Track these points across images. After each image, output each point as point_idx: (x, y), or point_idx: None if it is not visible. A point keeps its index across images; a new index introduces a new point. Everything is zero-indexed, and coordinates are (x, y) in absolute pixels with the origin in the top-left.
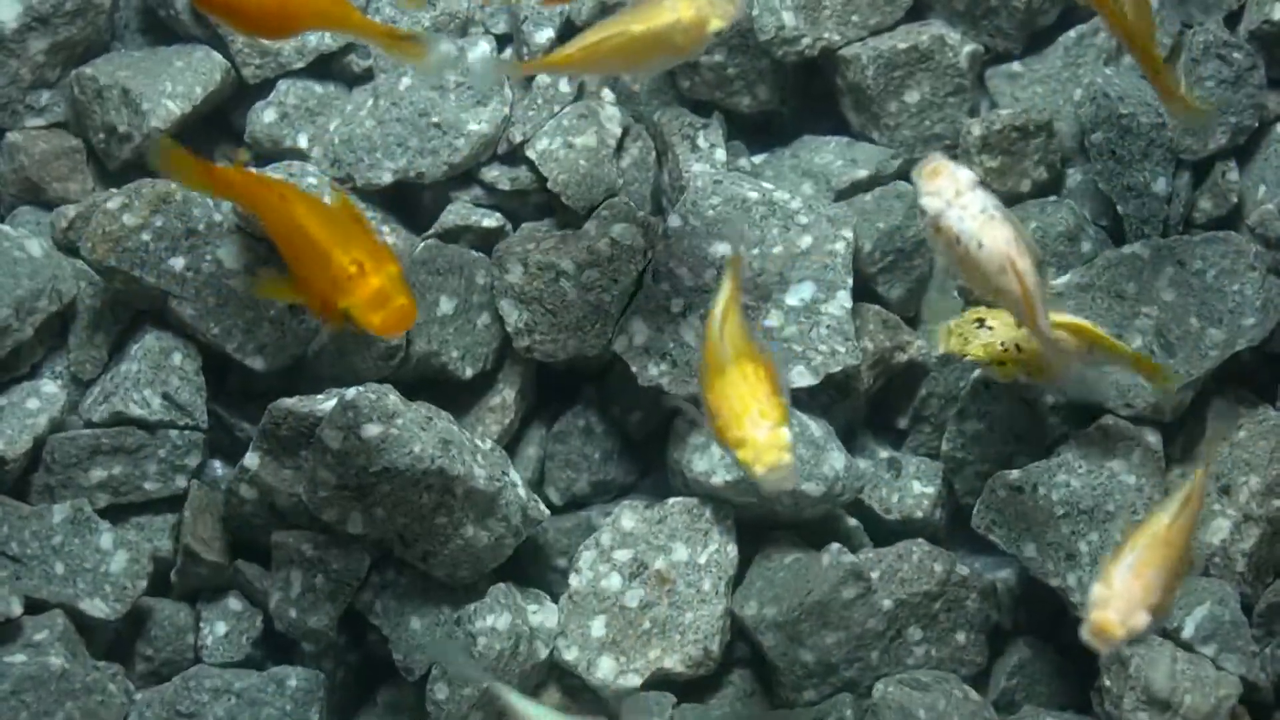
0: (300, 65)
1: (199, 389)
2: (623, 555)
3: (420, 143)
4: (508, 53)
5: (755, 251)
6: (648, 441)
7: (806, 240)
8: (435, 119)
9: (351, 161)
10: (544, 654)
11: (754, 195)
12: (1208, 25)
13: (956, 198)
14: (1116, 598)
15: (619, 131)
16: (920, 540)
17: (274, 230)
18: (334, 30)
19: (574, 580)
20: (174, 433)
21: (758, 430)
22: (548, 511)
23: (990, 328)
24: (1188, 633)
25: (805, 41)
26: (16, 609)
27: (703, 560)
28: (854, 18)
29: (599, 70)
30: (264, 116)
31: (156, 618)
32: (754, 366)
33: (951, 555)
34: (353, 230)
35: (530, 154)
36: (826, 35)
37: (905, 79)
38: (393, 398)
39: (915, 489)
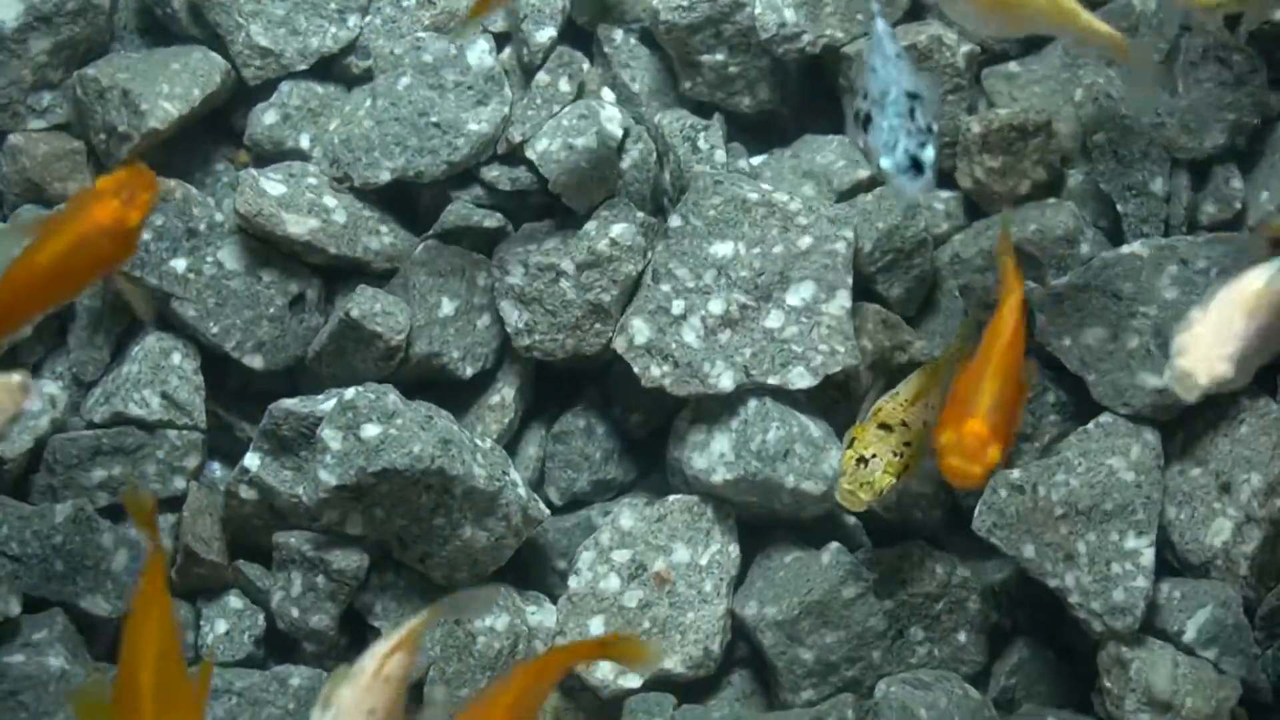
0: (302, 67)
1: (197, 388)
2: (621, 555)
3: (419, 142)
4: (507, 52)
5: (756, 251)
6: (648, 441)
7: (806, 240)
8: (434, 119)
9: (350, 161)
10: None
11: (754, 196)
12: (1206, 26)
13: None
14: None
15: (619, 133)
16: (921, 541)
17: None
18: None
19: (573, 581)
20: (172, 433)
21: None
22: (548, 511)
23: (872, 454)
24: (1189, 636)
25: (806, 39)
26: (15, 608)
27: (704, 561)
28: (858, 15)
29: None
30: (265, 118)
31: None
32: None
33: (952, 556)
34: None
35: (530, 154)
36: (829, 32)
37: None
38: (392, 397)
39: (914, 488)
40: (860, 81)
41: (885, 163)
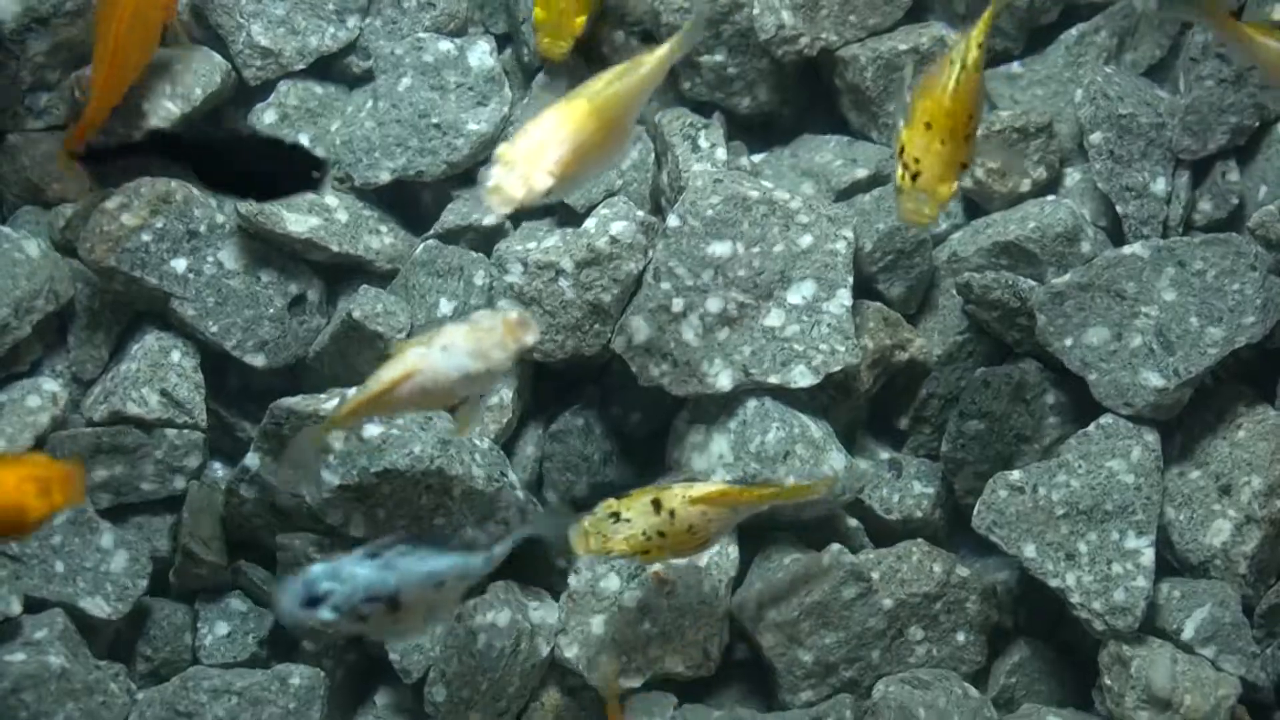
0: (301, 66)
1: (197, 386)
2: None
3: (420, 143)
4: (507, 53)
5: (756, 250)
6: (647, 441)
7: (807, 240)
8: (435, 119)
9: (351, 162)
10: (545, 651)
11: (754, 194)
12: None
13: None
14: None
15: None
16: (920, 540)
17: None
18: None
19: (573, 580)
20: (172, 433)
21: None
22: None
23: (627, 519)
24: (1188, 634)
25: (804, 41)
26: (16, 608)
27: (703, 562)
28: (851, 18)
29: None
30: (265, 118)
31: (155, 617)
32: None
33: (951, 556)
34: None
35: None
36: (824, 35)
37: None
38: None
39: (915, 489)
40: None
41: None
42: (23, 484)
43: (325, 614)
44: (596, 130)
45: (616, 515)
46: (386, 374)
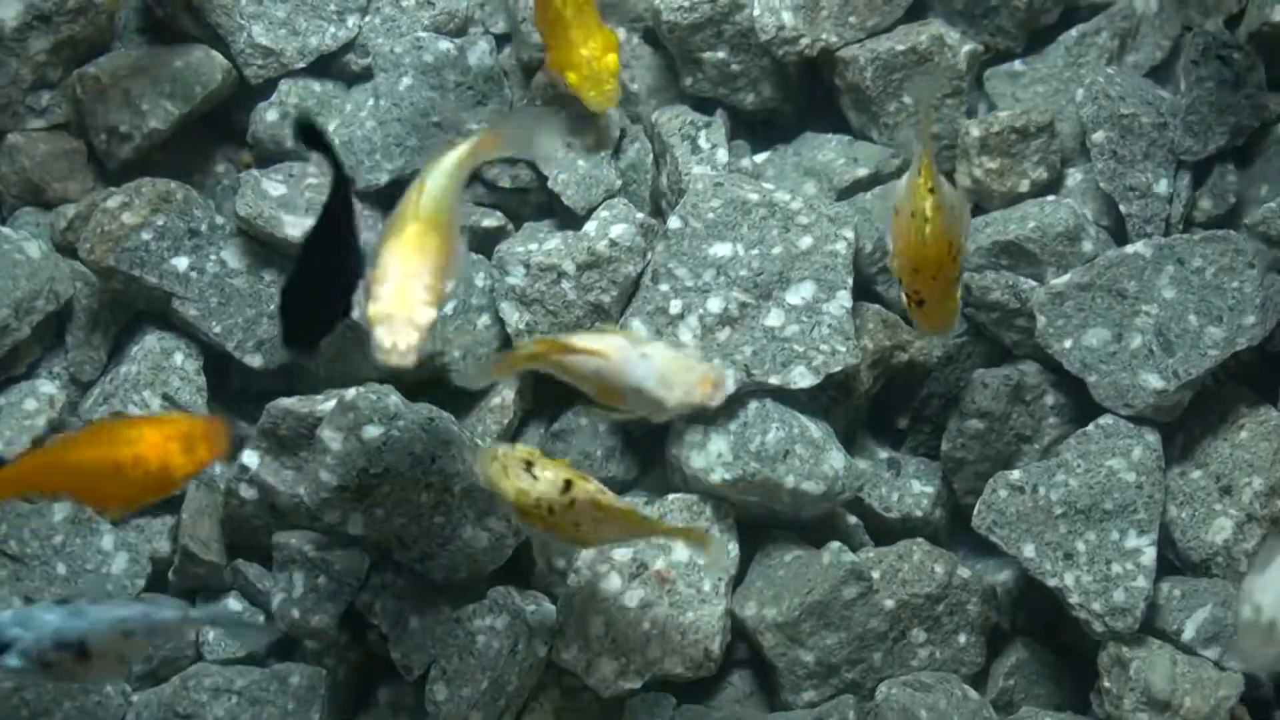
0: (301, 65)
1: (199, 389)
2: (622, 554)
3: (420, 142)
4: (506, 52)
5: (755, 252)
6: (647, 440)
7: (807, 240)
8: (435, 119)
9: (352, 164)
10: (542, 652)
11: (754, 197)
12: (1207, 27)
13: None
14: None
15: (616, 133)
16: (920, 540)
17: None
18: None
19: (573, 579)
20: None
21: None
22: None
23: (534, 476)
24: (1189, 635)
25: (804, 42)
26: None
27: (703, 560)
28: (851, 19)
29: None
30: (266, 117)
31: None
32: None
33: (952, 556)
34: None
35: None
36: (824, 36)
37: (904, 81)
38: (393, 398)
39: (915, 488)
40: None
41: None
42: (167, 442)
43: (11, 660)
44: (438, 241)
45: (529, 465)
46: (584, 339)
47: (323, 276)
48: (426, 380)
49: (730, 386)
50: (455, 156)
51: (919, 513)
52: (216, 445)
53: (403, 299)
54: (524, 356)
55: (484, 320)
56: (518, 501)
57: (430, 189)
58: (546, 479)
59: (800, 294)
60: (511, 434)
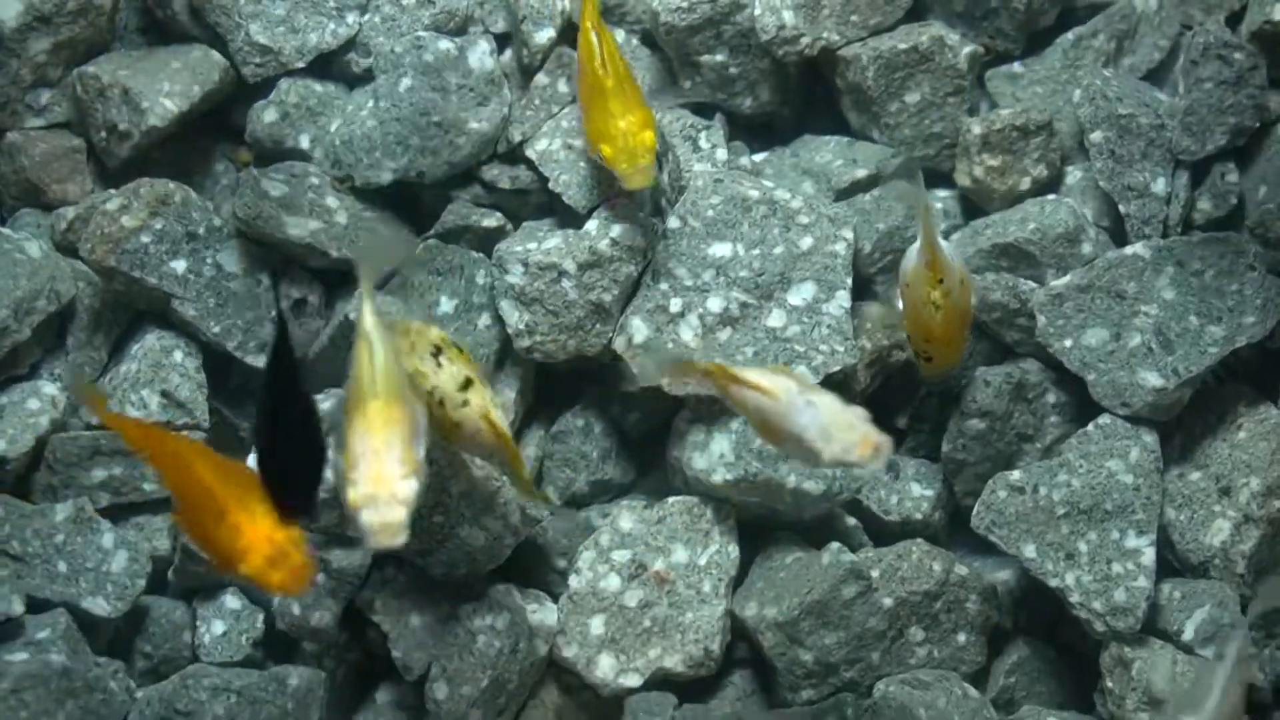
0: (300, 65)
1: (199, 386)
2: (621, 556)
3: (421, 142)
4: (507, 54)
5: (756, 251)
6: (647, 441)
7: (807, 240)
8: (436, 118)
9: (351, 162)
10: (543, 651)
11: (754, 194)
12: (1207, 26)
13: None
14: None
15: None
16: (919, 540)
17: (173, 486)
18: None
19: (573, 580)
20: None
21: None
22: (547, 511)
23: (439, 364)
24: (1188, 635)
25: (805, 41)
26: (18, 608)
27: (703, 561)
28: (853, 17)
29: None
30: (265, 116)
31: (154, 615)
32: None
33: (950, 555)
34: (249, 490)
35: (530, 154)
36: (826, 35)
37: (905, 80)
38: None
39: (914, 491)
40: None
41: None
42: (265, 544)
43: None
44: (400, 410)
45: (438, 352)
46: (756, 375)
47: (289, 455)
48: None
49: (889, 453)
50: (370, 316)
51: (919, 516)
52: (296, 582)
53: (380, 478)
54: (699, 369)
55: (484, 320)
56: (412, 382)
57: (376, 360)
58: (450, 372)
59: (801, 294)
60: (512, 434)
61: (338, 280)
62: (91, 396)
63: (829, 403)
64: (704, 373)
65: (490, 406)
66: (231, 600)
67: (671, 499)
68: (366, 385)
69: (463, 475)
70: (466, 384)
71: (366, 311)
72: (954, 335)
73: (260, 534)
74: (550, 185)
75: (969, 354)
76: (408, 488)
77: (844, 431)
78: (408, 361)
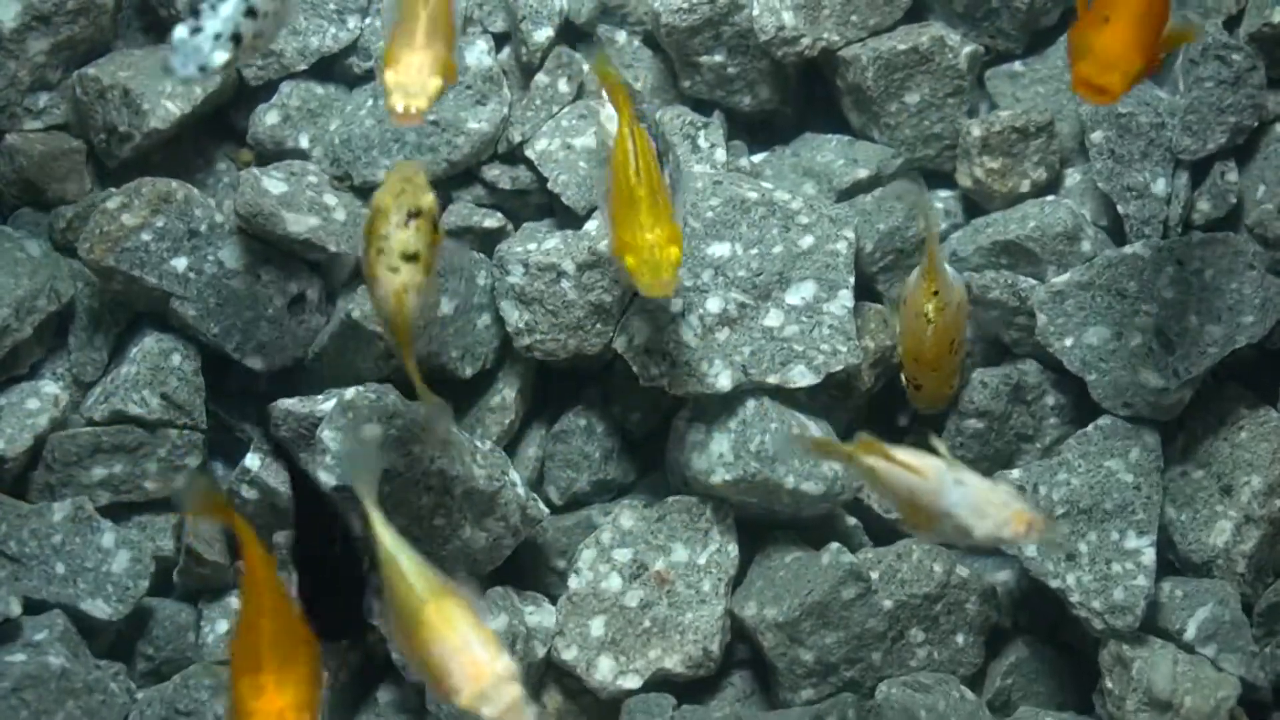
0: (302, 67)
1: (197, 389)
2: (622, 555)
3: (419, 140)
4: (506, 52)
5: (754, 251)
6: (647, 441)
7: (808, 240)
8: (434, 117)
9: (349, 160)
10: (541, 653)
11: (754, 196)
12: (1206, 28)
13: None
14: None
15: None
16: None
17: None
18: None
19: (573, 581)
20: (173, 432)
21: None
22: (547, 511)
23: (406, 226)
24: (1189, 634)
25: (805, 42)
26: (15, 609)
27: (702, 561)
28: (853, 18)
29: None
30: (266, 118)
31: (158, 617)
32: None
33: (951, 555)
34: (292, 661)
35: (529, 154)
36: (826, 35)
37: (905, 80)
38: (392, 398)
39: None
40: None
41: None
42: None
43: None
44: (457, 604)
45: (416, 215)
46: (905, 454)
47: (328, 579)
48: (426, 380)
49: (1042, 528)
50: (388, 534)
51: None
52: None
53: (479, 672)
54: (844, 451)
55: (484, 320)
56: (373, 219)
57: (409, 573)
58: (405, 239)
59: (800, 294)
60: (512, 434)
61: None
62: (212, 504)
63: (978, 481)
64: (848, 453)
65: (412, 290)
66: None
67: (671, 498)
68: (414, 596)
69: (464, 476)
70: (412, 257)
71: (383, 533)
72: (942, 358)
73: (271, 709)
74: (549, 185)
75: (967, 354)
76: (508, 675)
77: (997, 509)
78: (380, 198)
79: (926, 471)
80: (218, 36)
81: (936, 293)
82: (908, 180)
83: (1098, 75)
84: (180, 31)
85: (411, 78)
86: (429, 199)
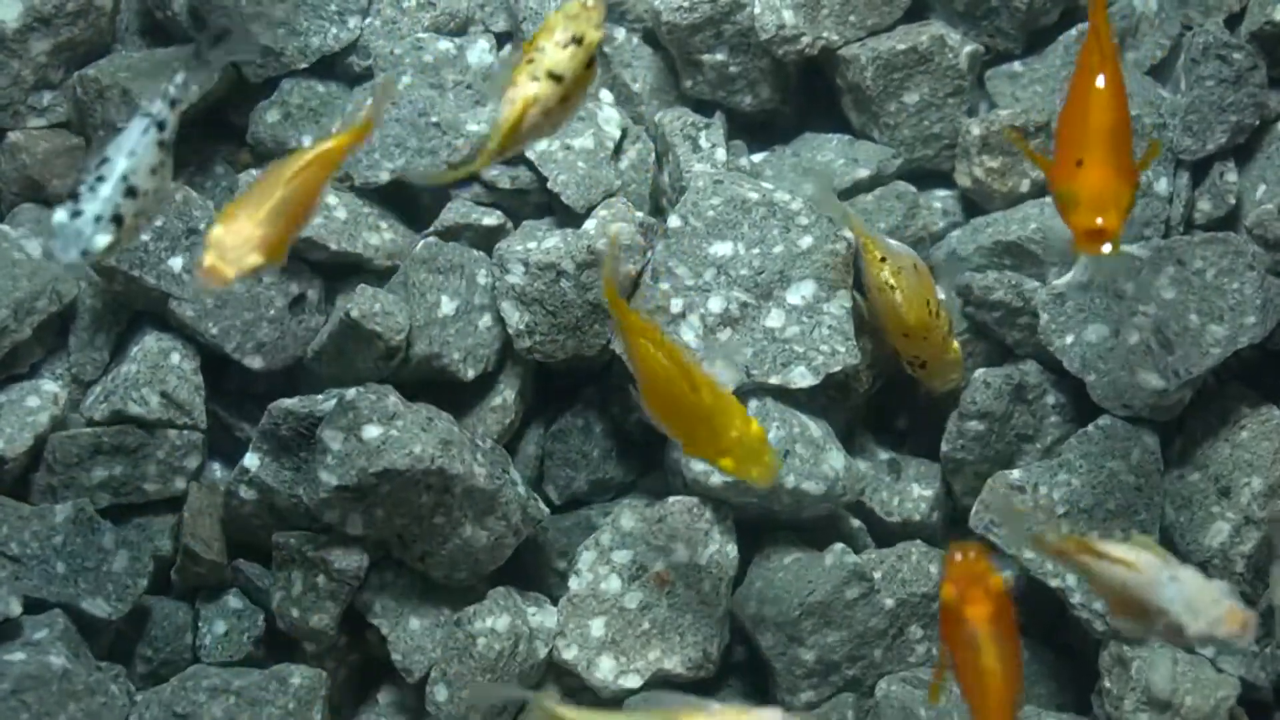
0: (303, 65)
1: (197, 388)
2: (622, 556)
3: (419, 142)
4: (506, 50)
5: (756, 250)
6: (647, 441)
7: (808, 240)
8: (434, 119)
9: (350, 160)
10: (543, 653)
11: (754, 196)
12: (1207, 26)
13: None
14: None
15: (617, 134)
16: (918, 541)
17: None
18: None
19: (573, 582)
20: (173, 433)
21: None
22: (547, 510)
23: (566, 49)
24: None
25: (804, 40)
26: (16, 608)
27: (703, 561)
28: (851, 17)
29: None
30: (267, 117)
31: (155, 617)
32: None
33: None
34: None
35: (529, 154)
36: (825, 35)
37: (905, 80)
38: (393, 398)
39: (915, 492)
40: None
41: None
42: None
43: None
44: None
45: (578, 41)
46: (1117, 548)
47: None
48: (426, 380)
49: (1256, 628)
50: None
51: (918, 516)
52: None
53: None
54: (1055, 546)
55: (485, 320)
56: (535, 34)
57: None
58: (561, 59)
59: (801, 293)
60: (512, 434)
61: (336, 274)
62: None
63: (1192, 577)
64: (1058, 548)
65: (539, 105)
66: (234, 600)
67: (671, 499)
68: None
69: (464, 476)
70: (557, 78)
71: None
72: (926, 322)
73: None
74: (549, 185)
75: (968, 355)
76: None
77: (1210, 607)
78: (552, 16)
79: (1140, 566)
80: (98, 219)
81: (884, 259)
82: (821, 184)
83: (1094, 222)
84: (60, 215)
85: (234, 243)
86: (596, 34)
